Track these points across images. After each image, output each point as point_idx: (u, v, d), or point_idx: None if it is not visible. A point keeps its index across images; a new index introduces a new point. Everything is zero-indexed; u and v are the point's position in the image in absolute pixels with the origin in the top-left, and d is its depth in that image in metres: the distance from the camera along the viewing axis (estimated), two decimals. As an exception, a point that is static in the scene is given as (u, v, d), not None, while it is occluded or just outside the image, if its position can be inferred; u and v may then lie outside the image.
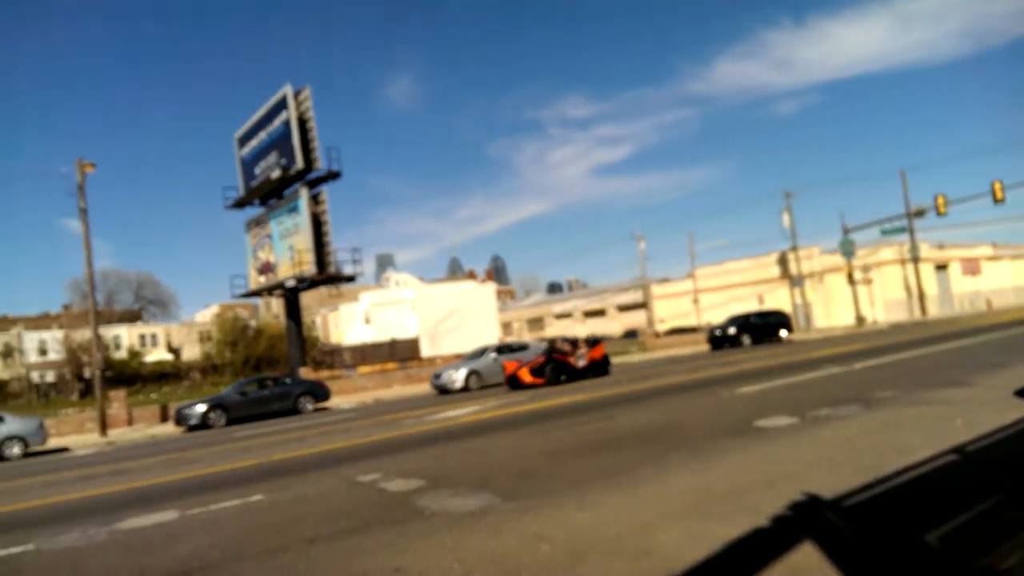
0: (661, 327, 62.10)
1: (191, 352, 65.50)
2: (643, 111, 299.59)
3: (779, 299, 54.09)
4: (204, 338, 59.02)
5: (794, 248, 52.93)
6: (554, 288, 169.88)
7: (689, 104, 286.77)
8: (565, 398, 15.98)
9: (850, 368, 15.65)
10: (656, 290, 72.09)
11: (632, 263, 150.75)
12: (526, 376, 20.84)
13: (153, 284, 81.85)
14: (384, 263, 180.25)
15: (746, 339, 34.14)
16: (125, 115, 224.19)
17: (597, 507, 5.56)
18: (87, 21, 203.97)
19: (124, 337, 68.01)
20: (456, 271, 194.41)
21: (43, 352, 60.46)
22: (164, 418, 27.92)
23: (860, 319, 47.23)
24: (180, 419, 23.19)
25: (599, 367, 22.31)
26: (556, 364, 21.06)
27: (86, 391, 45.75)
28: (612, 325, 74.37)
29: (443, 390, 24.40)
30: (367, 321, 65.16)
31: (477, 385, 24.18)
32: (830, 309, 54.11)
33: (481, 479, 7.13)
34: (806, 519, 4.85)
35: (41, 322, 73.89)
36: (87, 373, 46.26)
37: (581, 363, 21.67)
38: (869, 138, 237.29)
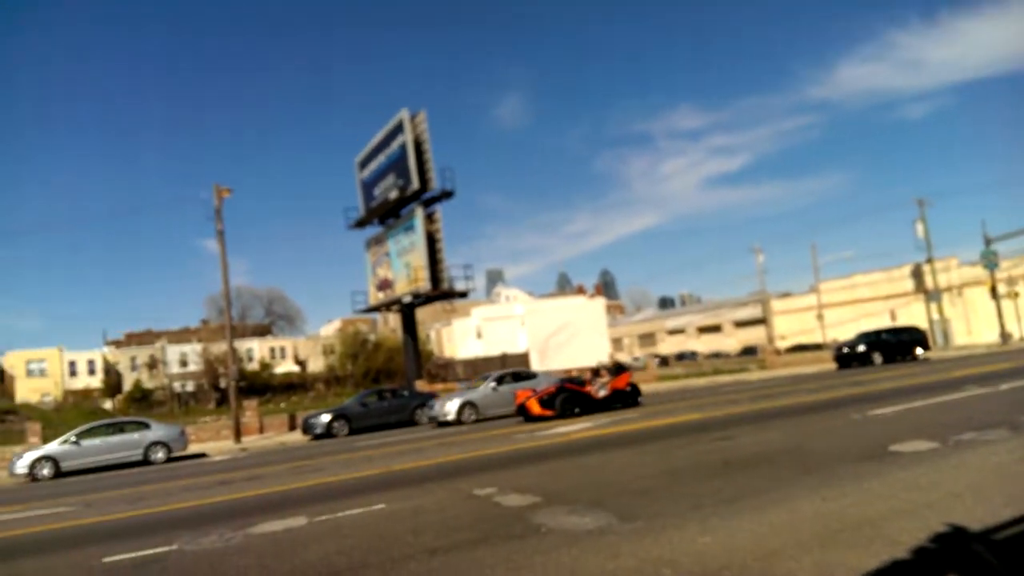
0: (782, 344, 59.44)
1: (316, 364, 68.88)
2: (759, 119, 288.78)
3: (913, 315, 50.66)
4: (328, 351, 61.98)
5: (930, 260, 49.46)
6: (666, 303, 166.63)
7: (809, 110, 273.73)
8: (680, 417, 15.61)
9: (995, 389, 14.42)
10: (776, 305, 69.21)
11: (749, 277, 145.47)
12: (535, 407, 19.07)
13: (282, 300, 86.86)
14: (494, 278, 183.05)
15: (877, 357, 32.08)
16: (260, 142, 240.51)
17: (720, 531, 5.36)
18: (221, 56, 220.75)
19: (256, 350, 72.41)
20: (564, 286, 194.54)
21: (184, 364, 65.22)
22: (292, 427, 29.47)
23: (1005, 336, 43.39)
24: (307, 428, 24.41)
25: (625, 397, 20.28)
26: (568, 395, 19.18)
27: (222, 400, 49.01)
28: (728, 342, 71.99)
29: (437, 422, 22.67)
30: (478, 336, 66.31)
31: (472, 418, 22.11)
32: (971, 325, 50.12)
33: (597, 497, 7.05)
34: (951, 552, 4.48)
35: (182, 336, 79.92)
36: (223, 383, 49.55)
37: (602, 393, 19.67)
38: (1010, 141, 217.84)
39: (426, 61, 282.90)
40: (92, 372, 72.06)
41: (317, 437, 23.75)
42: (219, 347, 50.98)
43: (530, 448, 12.67)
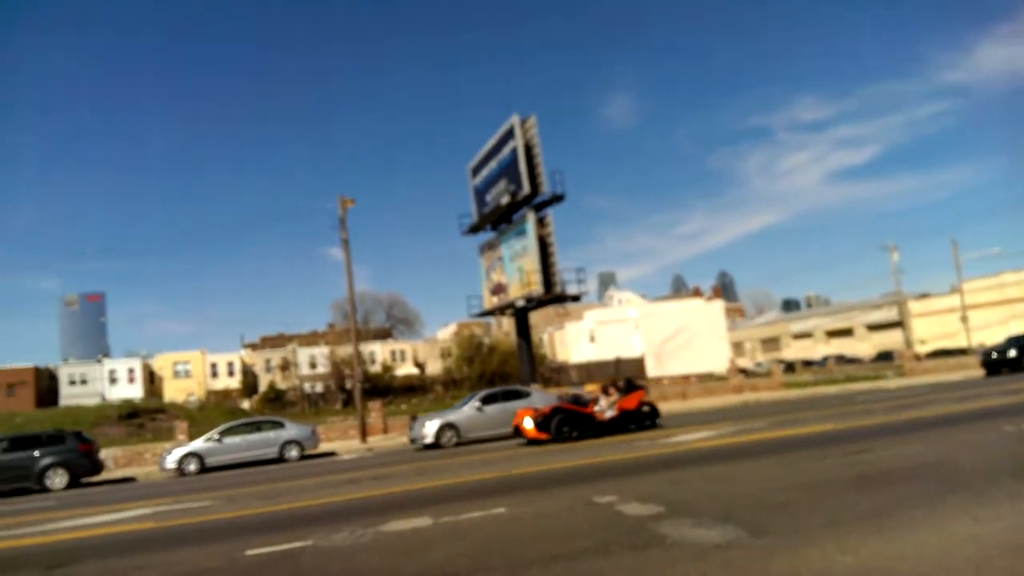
0: (921, 348, 55.37)
1: (433, 367, 70.70)
2: (889, 107, 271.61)
3: (1074, 316, 45.87)
4: (445, 354, 63.38)
5: (1093, 255, 44.65)
6: (789, 305, 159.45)
7: (945, 96, 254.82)
8: (811, 427, 14.89)
9: None
10: (914, 307, 64.66)
11: (881, 276, 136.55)
12: (530, 430, 17.44)
13: (401, 304, 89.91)
14: (606, 281, 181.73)
15: (1031, 363, 29.30)
16: (380, 152, 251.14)
17: (860, 551, 5.02)
18: (341, 70, 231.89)
19: (378, 353, 75.23)
20: (680, 288, 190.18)
21: (313, 366, 68.52)
22: (412, 428, 30.37)
23: None
24: (427, 430, 25.05)
25: (639, 419, 18.30)
26: (564, 416, 17.32)
27: (347, 401, 51.26)
28: (861, 346, 67.89)
29: (422, 444, 21.02)
30: (591, 339, 65.92)
31: (452, 441, 20.55)
32: None
33: (724, 510, 6.80)
34: None
35: (311, 339, 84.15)
36: (348, 385, 51.84)
37: (608, 414, 17.73)
38: None
39: (535, 66, 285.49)
40: (231, 373, 77.30)
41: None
42: (344, 350, 53.32)
43: (651, 456, 12.46)
